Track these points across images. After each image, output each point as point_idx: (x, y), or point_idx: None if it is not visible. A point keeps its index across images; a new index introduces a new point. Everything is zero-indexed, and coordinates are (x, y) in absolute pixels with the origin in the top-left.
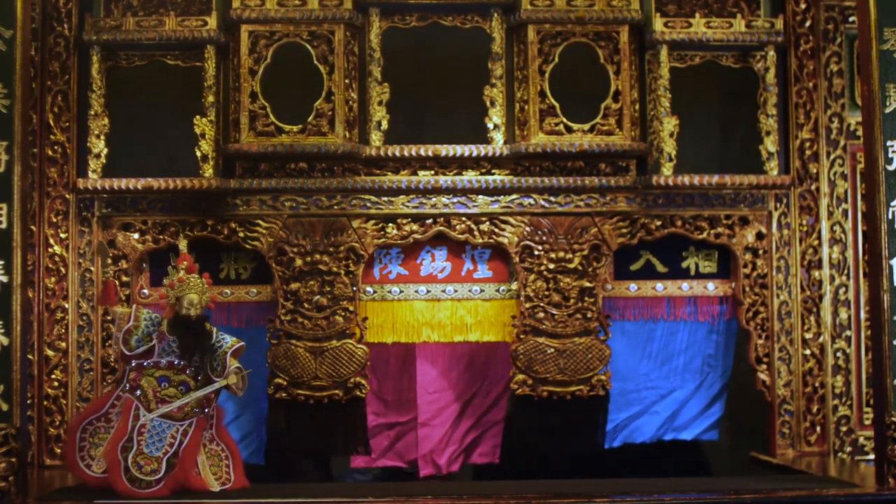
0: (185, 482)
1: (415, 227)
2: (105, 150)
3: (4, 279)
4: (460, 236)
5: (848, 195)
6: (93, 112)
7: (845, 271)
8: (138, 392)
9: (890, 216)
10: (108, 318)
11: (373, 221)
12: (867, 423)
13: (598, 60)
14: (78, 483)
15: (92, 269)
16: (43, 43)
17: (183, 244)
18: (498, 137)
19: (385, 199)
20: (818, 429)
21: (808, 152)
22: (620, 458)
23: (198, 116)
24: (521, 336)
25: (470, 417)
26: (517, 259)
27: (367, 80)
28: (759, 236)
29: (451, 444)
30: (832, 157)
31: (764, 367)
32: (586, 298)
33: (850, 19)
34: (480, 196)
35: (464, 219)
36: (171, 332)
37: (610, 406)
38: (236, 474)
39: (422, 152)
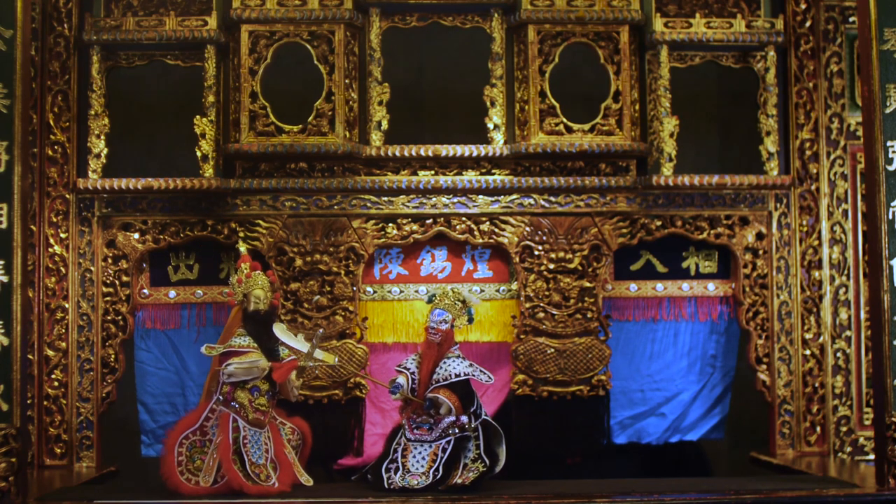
0: (292, 477)
1: (415, 227)
2: (105, 150)
3: (4, 279)
4: (460, 236)
5: (848, 195)
6: (93, 112)
7: (845, 271)
8: (235, 404)
9: (890, 216)
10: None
11: (373, 221)
12: (867, 423)
13: (599, 60)
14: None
15: (92, 268)
16: (43, 43)
17: (243, 247)
18: (498, 137)
19: (385, 199)
20: (818, 429)
21: (808, 152)
22: (625, 457)
23: (198, 116)
24: (521, 336)
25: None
26: (517, 259)
27: (368, 80)
28: (760, 236)
29: None
30: (832, 157)
31: (764, 367)
32: (586, 298)
33: (851, 19)
34: (480, 196)
35: (464, 219)
36: (245, 328)
37: (613, 404)
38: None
39: (422, 152)
